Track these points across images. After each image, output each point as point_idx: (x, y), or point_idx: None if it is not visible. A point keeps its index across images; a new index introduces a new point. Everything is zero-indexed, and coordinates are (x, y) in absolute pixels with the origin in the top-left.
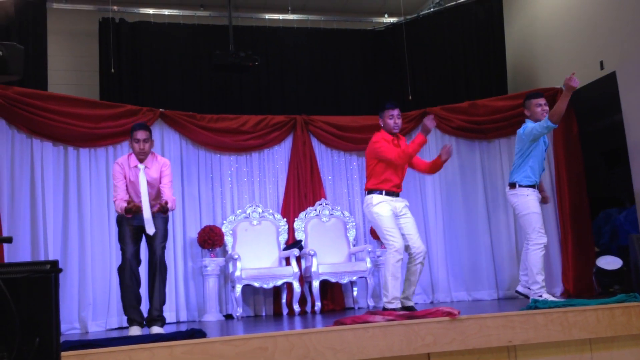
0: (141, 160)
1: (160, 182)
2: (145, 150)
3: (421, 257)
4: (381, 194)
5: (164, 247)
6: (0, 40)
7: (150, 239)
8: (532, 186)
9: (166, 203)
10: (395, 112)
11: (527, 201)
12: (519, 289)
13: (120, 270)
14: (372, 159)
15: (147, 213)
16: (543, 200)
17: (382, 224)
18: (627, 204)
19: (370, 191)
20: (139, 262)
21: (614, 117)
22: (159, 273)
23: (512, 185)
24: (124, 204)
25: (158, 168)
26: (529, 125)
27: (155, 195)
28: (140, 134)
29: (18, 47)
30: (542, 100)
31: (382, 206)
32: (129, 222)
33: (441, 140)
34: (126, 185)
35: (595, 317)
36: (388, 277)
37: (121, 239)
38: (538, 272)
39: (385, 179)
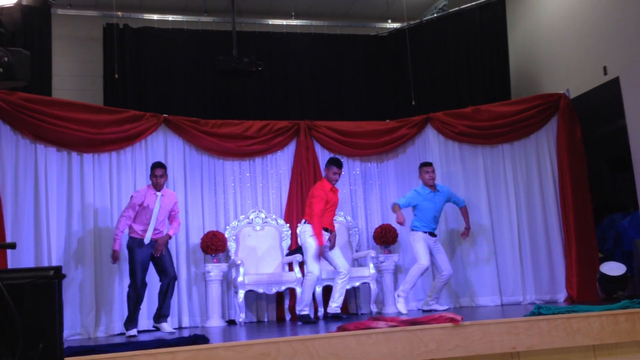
0: (158, 190)
1: (172, 211)
2: (161, 183)
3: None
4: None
5: (174, 268)
6: (6, 47)
7: (163, 264)
8: (422, 231)
9: (169, 237)
10: (340, 170)
11: (413, 240)
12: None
13: (132, 290)
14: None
15: (150, 229)
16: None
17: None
18: (631, 209)
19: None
20: (145, 285)
21: (618, 122)
22: (172, 286)
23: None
24: (118, 245)
25: (169, 199)
26: (410, 194)
27: (164, 219)
28: (158, 171)
29: (24, 53)
30: (430, 169)
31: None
32: (139, 252)
33: (444, 146)
34: (137, 211)
35: (599, 324)
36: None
37: (132, 268)
38: (411, 286)
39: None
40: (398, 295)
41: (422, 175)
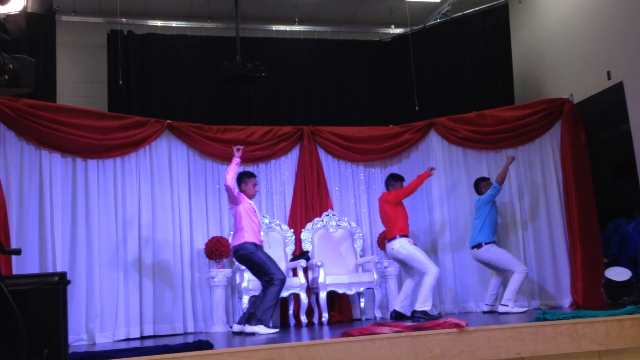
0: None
1: None
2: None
3: None
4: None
5: None
6: (11, 54)
7: None
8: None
9: None
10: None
11: (496, 252)
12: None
13: (280, 283)
14: (392, 209)
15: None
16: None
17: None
18: (636, 214)
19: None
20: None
21: (622, 127)
22: None
23: (479, 246)
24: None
25: None
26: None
27: None
28: (256, 181)
29: (29, 60)
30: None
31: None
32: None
33: (448, 151)
34: (249, 217)
35: (605, 329)
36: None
37: (264, 265)
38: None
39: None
40: (506, 304)
41: (483, 190)
